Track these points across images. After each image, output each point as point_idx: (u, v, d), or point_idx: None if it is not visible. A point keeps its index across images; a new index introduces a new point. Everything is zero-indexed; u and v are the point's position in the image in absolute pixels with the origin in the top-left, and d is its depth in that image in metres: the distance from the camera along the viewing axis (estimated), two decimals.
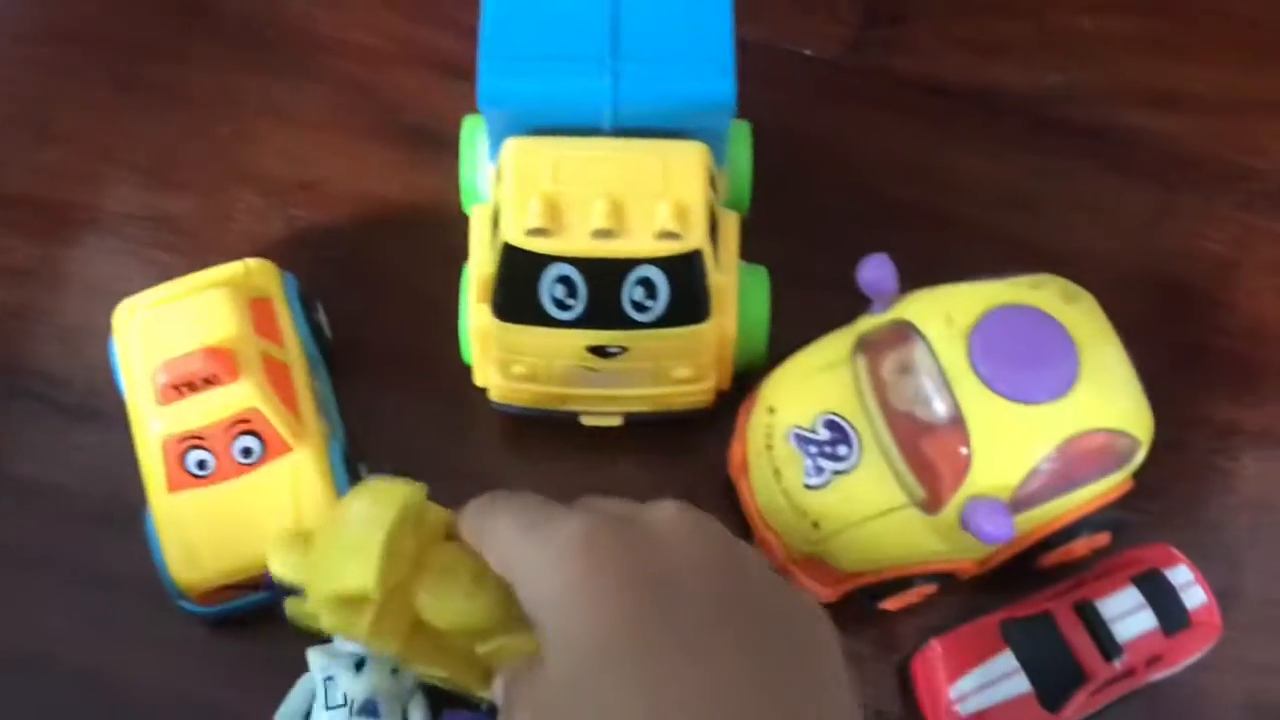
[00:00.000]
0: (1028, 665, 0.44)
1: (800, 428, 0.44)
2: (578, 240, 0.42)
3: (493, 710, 0.36)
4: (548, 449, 0.49)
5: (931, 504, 0.42)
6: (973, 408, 0.41)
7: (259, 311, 0.45)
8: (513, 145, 0.43)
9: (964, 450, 0.41)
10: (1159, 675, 0.45)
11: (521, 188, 0.42)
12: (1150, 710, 0.46)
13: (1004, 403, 0.41)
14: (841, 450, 0.44)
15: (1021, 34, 0.58)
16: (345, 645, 0.43)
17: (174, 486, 0.43)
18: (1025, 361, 0.42)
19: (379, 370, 0.50)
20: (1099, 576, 0.46)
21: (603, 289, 0.43)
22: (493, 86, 0.43)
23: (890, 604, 0.46)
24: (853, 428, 0.44)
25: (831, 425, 0.44)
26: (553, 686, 0.32)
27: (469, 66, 0.42)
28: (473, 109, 0.44)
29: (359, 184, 0.53)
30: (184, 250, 0.51)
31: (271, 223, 0.52)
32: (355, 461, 0.46)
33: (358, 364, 0.50)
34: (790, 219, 0.52)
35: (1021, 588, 0.46)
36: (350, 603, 0.35)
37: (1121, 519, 0.46)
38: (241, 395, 0.43)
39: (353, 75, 0.56)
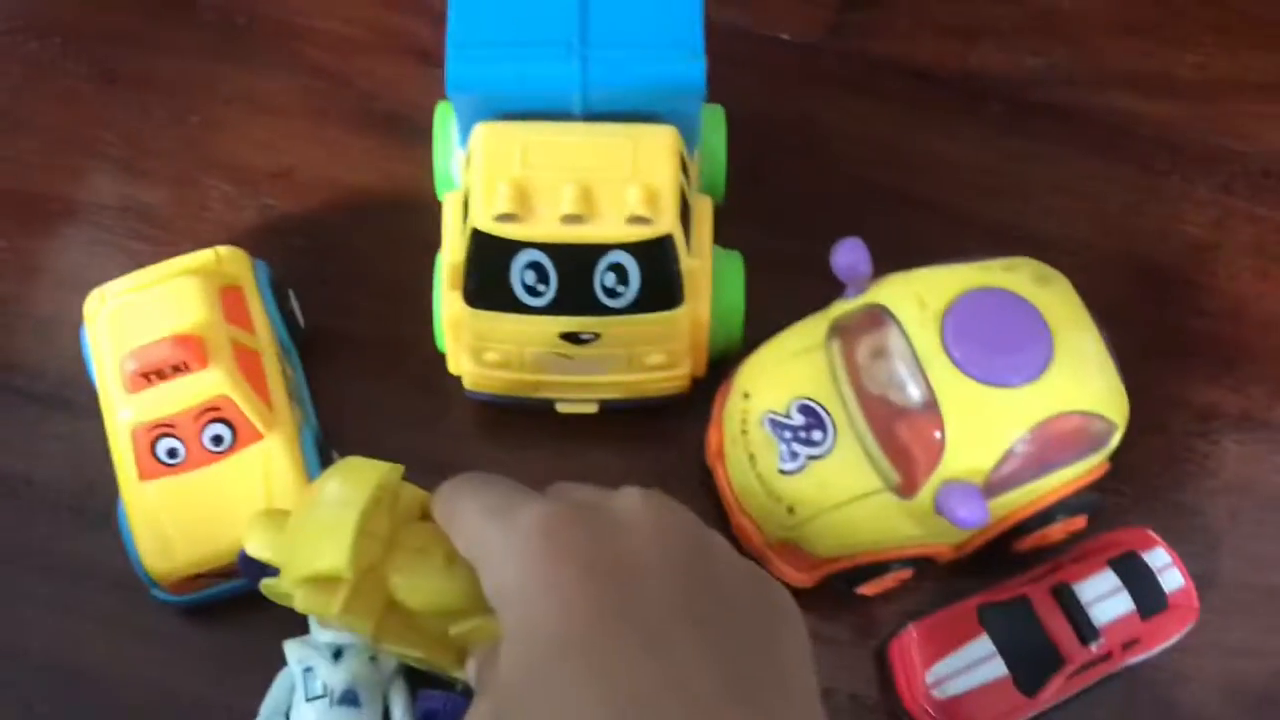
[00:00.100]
0: (1004, 649, 0.44)
1: (775, 413, 0.44)
2: (547, 226, 0.41)
3: (467, 691, 0.36)
4: (522, 437, 0.49)
5: (906, 488, 0.42)
6: (946, 391, 0.41)
7: (230, 299, 0.45)
8: (481, 130, 0.42)
9: (938, 434, 0.41)
10: (1136, 658, 0.44)
11: (490, 173, 0.42)
12: (1128, 694, 0.45)
13: (977, 386, 0.41)
14: (816, 435, 0.44)
15: (1001, 17, 0.58)
16: (322, 635, 0.43)
17: (145, 475, 0.43)
18: (998, 344, 0.41)
19: (352, 359, 0.50)
20: (1076, 560, 0.45)
21: (574, 275, 0.42)
22: (460, 72, 0.42)
23: (867, 589, 0.46)
24: (827, 413, 0.44)
25: (806, 410, 0.44)
26: (511, 675, 0.31)
27: (442, 53, 0.42)
28: (445, 97, 0.43)
29: (333, 172, 0.53)
30: (157, 240, 0.51)
31: (245, 211, 0.52)
32: (328, 449, 0.46)
33: (331, 352, 0.50)
34: (766, 204, 0.51)
35: (998, 572, 0.46)
36: (323, 583, 0.35)
37: (1098, 502, 0.45)
38: (211, 383, 0.42)
39: (326, 63, 0.55)
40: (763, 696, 0.30)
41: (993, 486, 0.42)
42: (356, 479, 0.36)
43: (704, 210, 0.46)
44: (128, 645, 0.45)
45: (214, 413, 0.43)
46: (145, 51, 0.55)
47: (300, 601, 0.36)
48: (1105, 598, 0.44)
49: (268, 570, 0.37)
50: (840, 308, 0.45)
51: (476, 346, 0.45)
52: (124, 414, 0.43)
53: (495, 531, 0.33)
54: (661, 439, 0.49)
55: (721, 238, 0.47)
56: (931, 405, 0.41)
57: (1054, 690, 0.43)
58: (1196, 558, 0.46)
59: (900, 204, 0.53)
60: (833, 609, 0.46)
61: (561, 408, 0.48)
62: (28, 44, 0.56)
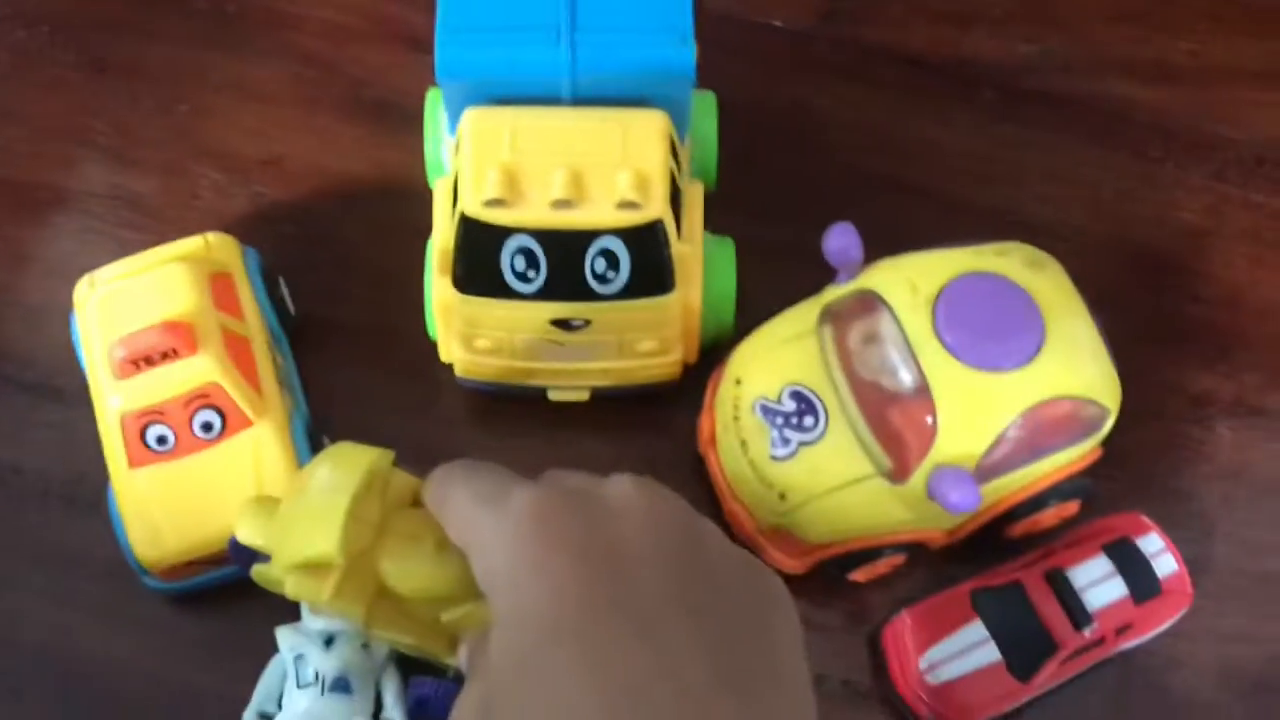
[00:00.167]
0: (998, 635, 0.44)
1: (766, 399, 0.44)
2: (537, 211, 0.41)
3: (459, 677, 0.36)
4: (513, 425, 0.49)
5: (898, 473, 0.42)
6: (938, 376, 0.41)
7: (219, 286, 0.45)
8: (471, 115, 0.42)
9: (929, 419, 0.41)
10: (1129, 644, 0.44)
11: (479, 158, 0.41)
12: (1121, 679, 0.45)
13: (969, 371, 0.41)
14: (807, 421, 0.43)
15: (994, 4, 0.57)
16: (314, 623, 0.43)
17: (134, 462, 0.43)
18: (990, 329, 0.41)
19: (343, 346, 0.50)
20: (1070, 545, 0.45)
21: (564, 260, 0.42)
22: (450, 58, 0.42)
23: (860, 575, 0.46)
24: (819, 399, 0.44)
25: (797, 396, 0.44)
26: (502, 661, 0.31)
27: (433, 40, 0.42)
28: (436, 82, 0.43)
29: (323, 160, 0.53)
30: (147, 228, 0.51)
31: (235, 199, 0.52)
32: (319, 436, 0.46)
33: (321, 340, 0.49)
34: (758, 191, 0.51)
35: (992, 558, 0.46)
36: (314, 569, 0.35)
37: (1090, 488, 0.45)
38: (200, 369, 0.42)
39: (316, 51, 0.55)
40: (755, 686, 0.30)
41: (985, 471, 0.42)
42: (347, 464, 0.36)
43: (695, 196, 0.46)
44: (118, 633, 0.45)
45: (203, 399, 0.43)
46: (134, 39, 0.55)
47: (291, 588, 0.35)
48: (1099, 583, 0.44)
49: (258, 557, 0.37)
50: (832, 293, 0.45)
51: (467, 333, 0.45)
52: (113, 401, 0.43)
53: (486, 517, 0.33)
54: (653, 427, 0.49)
55: (713, 225, 0.47)
56: (923, 390, 0.41)
57: (1047, 675, 0.43)
58: (1190, 544, 0.46)
59: (893, 191, 0.53)
60: (825, 596, 0.46)
61: (553, 395, 0.48)
62: (15, 32, 0.55)
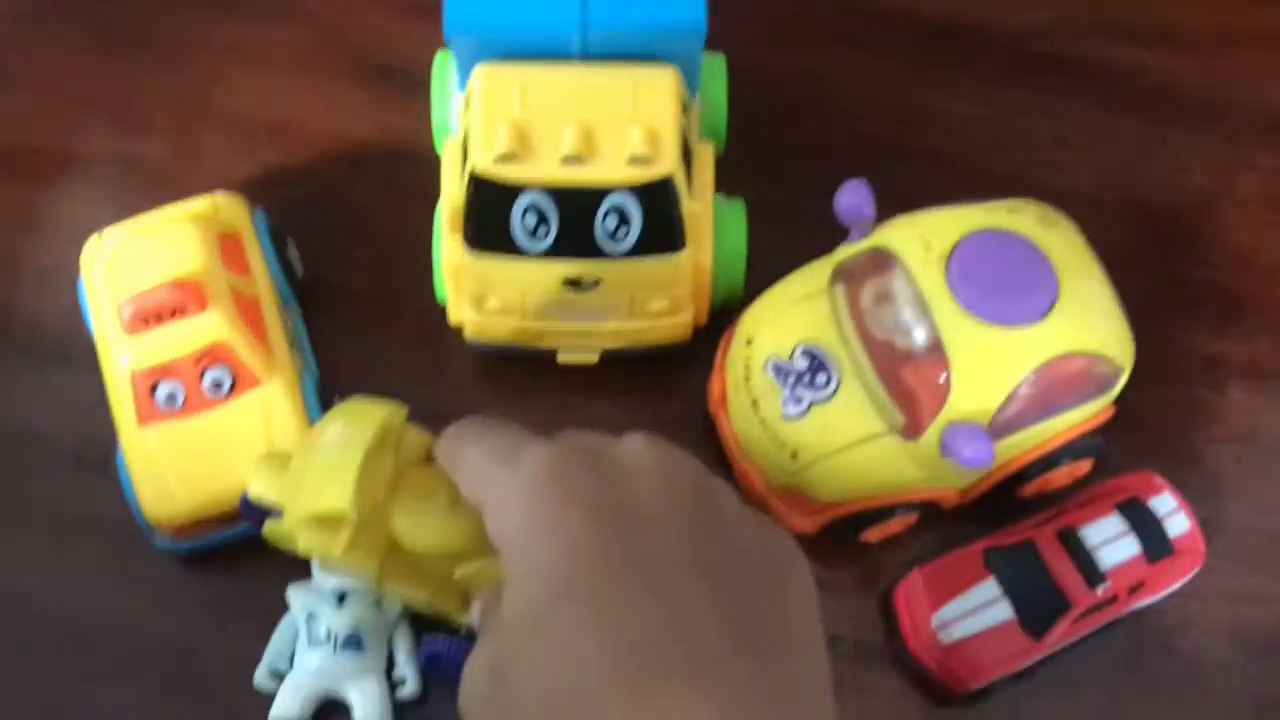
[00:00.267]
0: (1010, 592, 0.43)
1: (778, 358, 0.44)
2: (547, 167, 0.41)
3: (471, 635, 0.36)
4: (523, 389, 0.48)
5: (910, 430, 0.42)
6: (951, 332, 0.41)
7: (228, 246, 0.45)
8: (480, 72, 0.42)
9: (943, 375, 0.41)
10: (1142, 603, 0.44)
11: (489, 115, 0.41)
12: (1134, 638, 0.45)
13: (982, 326, 0.40)
14: (820, 379, 0.43)
15: None
16: (326, 581, 0.43)
17: (144, 420, 0.43)
18: (1003, 285, 0.41)
19: (350, 311, 0.49)
20: (1082, 504, 0.45)
21: (574, 218, 0.42)
22: (459, 13, 0.42)
23: (872, 535, 0.46)
24: (831, 356, 0.43)
25: (809, 355, 0.44)
26: (514, 618, 0.31)
27: (439, 6, 0.42)
28: (444, 47, 0.43)
29: (330, 125, 0.53)
30: (154, 193, 0.50)
31: (242, 164, 0.52)
32: (329, 397, 0.46)
33: (330, 304, 0.49)
34: (768, 156, 0.51)
35: (1004, 518, 0.46)
36: (326, 524, 0.35)
37: (1102, 447, 0.45)
38: (210, 327, 0.42)
39: (322, 16, 0.55)
40: (768, 649, 0.30)
41: (997, 428, 0.42)
42: (360, 420, 0.36)
43: (705, 156, 0.46)
44: (128, 593, 0.45)
45: (213, 357, 0.42)
46: (140, 4, 0.55)
47: (304, 542, 0.35)
48: (1111, 541, 0.44)
49: (270, 514, 0.37)
50: (844, 252, 0.44)
51: (477, 293, 0.45)
52: (123, 359, 0.42)
53: (500, 474, 0.33)
54: (663, 390, 0.49)
55: (723, 189, 0.46)
56: (936, 347, 0.41)
57: (1060, 633, 0.43)
58: (1202, 504, 0.46)
59: (902, 157, 0.53)
60: (837, 557, 0.46)
61: (562, 358, 0.48)
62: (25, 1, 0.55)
